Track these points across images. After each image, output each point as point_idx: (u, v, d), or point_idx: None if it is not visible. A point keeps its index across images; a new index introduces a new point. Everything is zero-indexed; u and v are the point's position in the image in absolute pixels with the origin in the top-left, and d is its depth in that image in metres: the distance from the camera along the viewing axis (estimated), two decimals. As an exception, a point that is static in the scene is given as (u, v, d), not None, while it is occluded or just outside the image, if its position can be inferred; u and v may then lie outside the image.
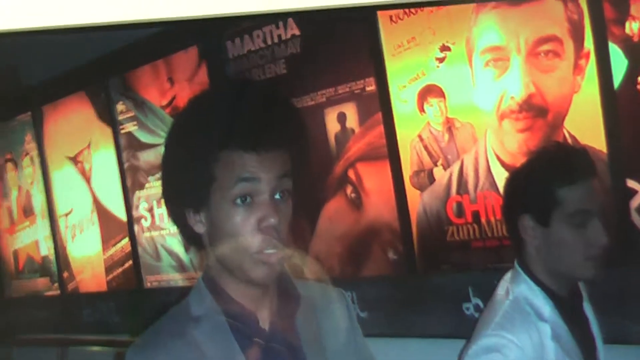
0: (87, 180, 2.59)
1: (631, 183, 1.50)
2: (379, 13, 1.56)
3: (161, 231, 2.28)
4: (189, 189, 1.09)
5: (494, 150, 1.61)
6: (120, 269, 2.56)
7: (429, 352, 1.59)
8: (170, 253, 2.27)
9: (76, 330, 2.66)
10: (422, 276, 1.53)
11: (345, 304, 1.18)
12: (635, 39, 1.48)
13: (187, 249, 1.26)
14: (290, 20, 1.70)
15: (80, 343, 2.70)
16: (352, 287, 1.45)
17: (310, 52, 1.64)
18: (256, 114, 1.09)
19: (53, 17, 1.24)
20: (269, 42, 1.82)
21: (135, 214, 2.30)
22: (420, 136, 1.62)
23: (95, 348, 2.65)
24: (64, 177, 2.72)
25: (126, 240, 2.47)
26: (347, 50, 1.63)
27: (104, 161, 2.48)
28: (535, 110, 1.55)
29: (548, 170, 1.33)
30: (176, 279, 2.34)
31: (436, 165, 1.65)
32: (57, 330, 2.74)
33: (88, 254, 2.68)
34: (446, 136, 1.64)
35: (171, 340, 1.07)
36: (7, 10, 1.26)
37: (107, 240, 2.55)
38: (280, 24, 1.72)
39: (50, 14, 1.24)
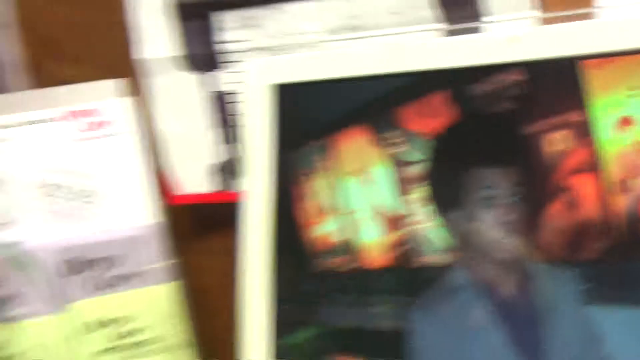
0: (367, 188, 3.02)
1: None
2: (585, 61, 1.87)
3: (427, 224, 2.64)
4: (446, 194, 1.54)
5: (679, 165, 1.89)
6: (397, 251, 2.94)
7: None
8: (435, 240, 2.63)
9: (366, 294, 3.08)
10: (627, 259, 1.79)
11: (566, 280, 1.46)
12: None
13: (447, 238, 1.60)
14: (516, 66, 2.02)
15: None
16: (574, 267, 1.61)
17: (530, 90, 1.92)
18: (493, 139, 1.52)
19: (342, 69, 1.51)
20: (500, 84, 2.13)
21: (407, 211, 2.70)
22: (620, 154, 1.92)
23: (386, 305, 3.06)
24: (348, 186, 3.14)
25: (401, 230, 2.87)
26: (558, 87, 1.92)
27: (379, 174, 2.89)
28: None
29: None
30: (439, 259, 2.68)
31: (633, 177, 1.92)
32: (352, 294, 3.17)
33: (373, 239, 3.10)
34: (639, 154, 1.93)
35: (439, 306, 1.47)
36: (306, 64, 1.56)
37: (386, 230, 2.94)
38: (509, 69, 2.03)
39: (340, 67, 1.52)
